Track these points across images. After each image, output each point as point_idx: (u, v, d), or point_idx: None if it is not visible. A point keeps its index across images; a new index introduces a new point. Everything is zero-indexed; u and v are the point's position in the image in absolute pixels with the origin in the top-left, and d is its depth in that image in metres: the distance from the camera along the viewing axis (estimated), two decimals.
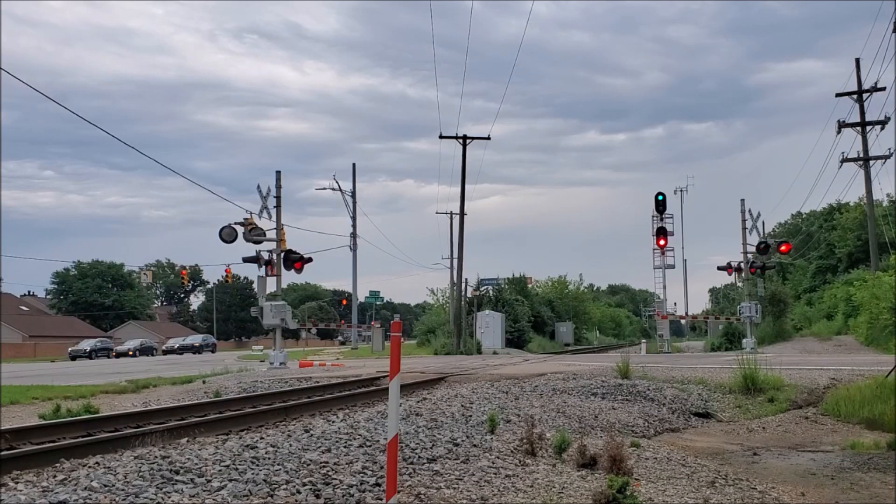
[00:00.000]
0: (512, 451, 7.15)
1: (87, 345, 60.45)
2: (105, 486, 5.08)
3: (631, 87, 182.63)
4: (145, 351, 63.73)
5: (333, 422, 8.81)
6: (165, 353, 62.73)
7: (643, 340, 40.32)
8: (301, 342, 65.37)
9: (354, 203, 54.53)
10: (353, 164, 57.39)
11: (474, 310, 42.19)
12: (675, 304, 69.78)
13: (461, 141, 36.91)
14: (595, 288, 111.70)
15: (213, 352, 62.66)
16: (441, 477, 6.00)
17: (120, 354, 60.04)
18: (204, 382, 17.03)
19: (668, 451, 8.27)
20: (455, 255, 43.52)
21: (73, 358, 55.70)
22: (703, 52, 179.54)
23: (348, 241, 53.95)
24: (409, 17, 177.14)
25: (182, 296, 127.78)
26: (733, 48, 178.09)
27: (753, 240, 30.37)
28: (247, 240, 23.16)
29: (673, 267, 38.81)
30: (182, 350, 62.97)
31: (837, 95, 38.83)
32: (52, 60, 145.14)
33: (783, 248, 32.35)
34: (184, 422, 9.50)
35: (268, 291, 24.52)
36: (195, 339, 68.80)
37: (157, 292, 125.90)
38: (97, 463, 6.06)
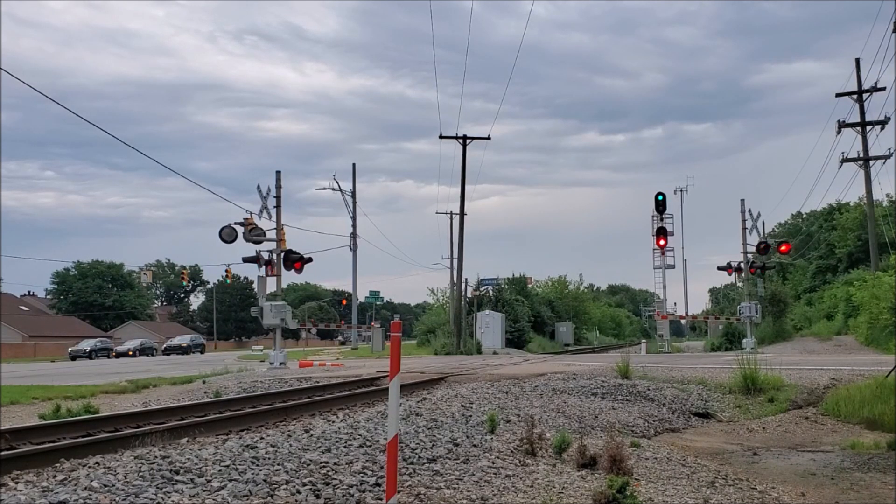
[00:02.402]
0: (512, 451, 7.15)
1: (87, 345, 60.21)
2: (105, 486, 5.08)
3: (630, 88, 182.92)
4: (145, 351, 63.35)
5: (333, 422, 8.81)
6: (166, 352, 62.70)
7: (643, 340, 40.33)
8: (301, 342, 65.36)
9: (354, 203, 54.56)
10: (353, 165, 57.47)
11: (474, 310, 42.17)
12: (675, 304, 69.74)
13: (461, 141, 36.89)
14: (595, 288, 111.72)
15: (201, 352, 62.34)
16: (441, 477, 5.99)
17: (120, 354, 59.66)
18: (204, 382, 17.03)
19: (668, 451, 8.27)
20: (455, 255, 43.55)
21: (73, 358, 55.53)
22: (702, 53, 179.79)
23: (348, 241, 53.95)
24: (409, 19, 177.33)
25: (182, 296, 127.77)
26: (731, 49, 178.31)
27: (753, 240, 30.41)
28: (247, 240, 23.15)
29: (673, 267, 38.87)
30: (169, 351, 62.54)
31: (837, 95, 38.82)
32: (53, 61, 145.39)
33: (783, 248, 32.35)
34: (184, 422, 9.50)
35: (268, 291, 24.52)
36: (183, 339, 68.32)
37: (157, 292, 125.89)
38: (97, 463, 6.06)
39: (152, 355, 60.94)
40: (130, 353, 60.56)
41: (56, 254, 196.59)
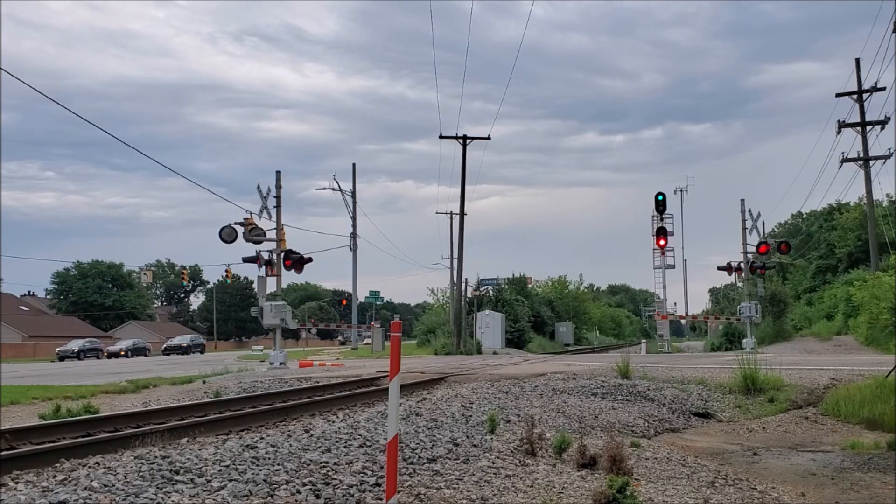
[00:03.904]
0: (512, 451, 7.15)
1: (75, 345, 58.52)
2: (105, 486, 5.08)
3: (629, 88, 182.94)
4: (138, 351, 61.86)
5: (333, 422, 8.81)
6: (165, 352, 62.28)
7: (643, 340, 40.32)
8: (301, 342, 65.34)
9: (354, 203, 54.51)
10: (353, 165, 57.37)
11: (474, 310, 42.16)
12: (675, 304, 69.74)
13: (461, 141, 36.89)
14: (595, 288, 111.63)
15: (201, 352, 61.87)
16: (441, 477, 5.99)
17: (112, 355, 58.07)
18: (204, 382, 17.03)
19: (668, 451, 8.27)
20: (455, 255, 43.54)
21: (62, 358, 54.05)
22: (700, 54, 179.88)
23: (348, 241, 53.90)
24: (408, 20, 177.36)
25: (182, 296, 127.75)
26: (730, 50, 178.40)
27: (753, 240, 30.39)
28: (247, 240, 23.15)
29: (673, 267, 38.87)
30: (169, 351, 61.74)
31: (837, 95, 38.80)
32: (54, 62, 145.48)
33: (783, 248, 32.34)
34: (184, 422, 9.50)
35: (268, 291, 24.51)
36: (183, 339, 67.57)
37: (157, 292, 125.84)
38: (97, 463, 6.06)
39: (146, 355, 59.55)
40: (123, 353, 58.86)
41: (56, 254, 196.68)
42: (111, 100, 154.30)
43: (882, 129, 37.05)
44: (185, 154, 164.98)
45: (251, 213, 23.34)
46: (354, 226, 54.31)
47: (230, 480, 5.38)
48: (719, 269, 31.87)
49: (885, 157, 37.14)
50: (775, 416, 11.44)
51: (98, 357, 57.02)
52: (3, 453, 6.85)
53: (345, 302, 73.53)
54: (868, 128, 37.48)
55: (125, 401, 14.06)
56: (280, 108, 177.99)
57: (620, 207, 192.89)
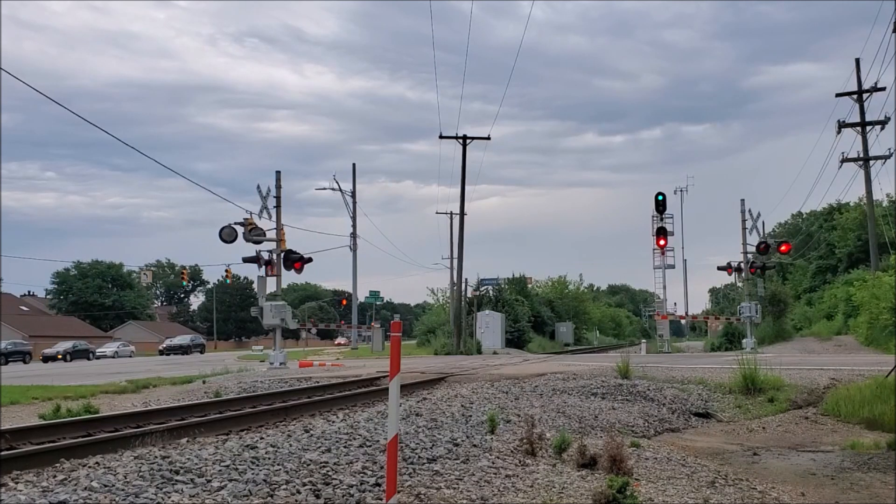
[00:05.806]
0: (512, 451, 7.15)
1: None
2: (105, 486, 5.08)
3: (628, 89, 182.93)
4: (78, 354, 54.76)
5: (333, 422, 8.81)
6: (164, 352, 61.96)
7: (643, 340, 40.32)
8: (301, 342, 65.34)
9: (354, 203, 54.50)
10: (353, 165, 57.32)
11: (474, 310, 42.15)
12: (675, 304, 69.55)
13: (461, 141, 36.87)
14: (595, 288, 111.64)
15: (201, 352, 61.57)
16: (441, 477, 5.99)
17: (48, 358, 51.99)
18: (204, 382, 17.03)
19: (668, 451, 8.27)
20: (455, 255, 43.51)
21: None
22: (699, 55, 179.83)
23: (348, 242, 53.88)
24: (408, 21, 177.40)
25: (182, 296, 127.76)
26: (728, 51, 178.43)
27: (753, 240, 30.39)
28: (247, 240, 23.15)
29: (673, 267, 38.92)
30: (169, 351, 61.00)
31: (837, 95, 38.77)
32: (55, 63, 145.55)
33: (783, 248, 32.32)
34: (184, 422, 9.50)
35: (268, 291, 24.51)
36: (183, 339, 67.18)
37: (157, 292, 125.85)
38: (97, 463, 6.06)
39: (88, 359, 53.28)
40: (60, 356, 52.57)
41: (56, 254, 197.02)
42: (112, 100, 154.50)
43: (882, 129, 37.05)
44: (186, 154, 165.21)
45: (251, 213, 23.35)
46: (354, 226, 54.33)
47: (230, 480, 5.38)
48: (719, 269, 31.92)
49: (885, 157, 37.14)
50: (775, 416, 11.44)
51: (25, 362, 51.33)
52: (3, 453, 6.85)
53: (345, 302, 73.51)
54: (868, 128, 37.46)
55: (125, 401, 14.06)
56: (280, 109, 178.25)
57: (620, 207, 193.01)
